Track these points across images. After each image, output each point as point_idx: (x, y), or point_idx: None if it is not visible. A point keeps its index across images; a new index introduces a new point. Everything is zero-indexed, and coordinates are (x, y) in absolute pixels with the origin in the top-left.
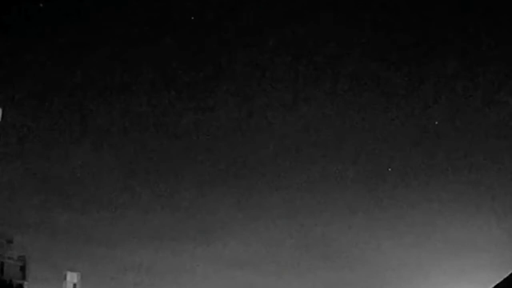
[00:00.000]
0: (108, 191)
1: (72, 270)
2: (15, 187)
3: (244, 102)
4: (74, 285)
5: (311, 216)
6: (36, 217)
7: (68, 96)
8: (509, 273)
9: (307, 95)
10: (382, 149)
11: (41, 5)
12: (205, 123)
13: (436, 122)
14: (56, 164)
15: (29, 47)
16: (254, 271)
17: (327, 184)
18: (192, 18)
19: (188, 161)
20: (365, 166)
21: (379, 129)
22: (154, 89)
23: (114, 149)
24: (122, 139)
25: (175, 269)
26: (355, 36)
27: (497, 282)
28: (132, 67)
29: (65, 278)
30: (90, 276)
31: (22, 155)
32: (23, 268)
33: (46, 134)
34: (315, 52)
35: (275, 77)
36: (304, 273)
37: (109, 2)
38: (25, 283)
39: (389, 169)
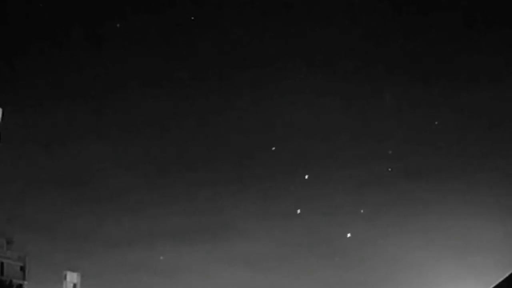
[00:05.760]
0: (109, 191)
1: (72, 270)
2: (16, 187)
3: (256, 101)
4: (74, 285)
5: (315, 217)
6: (36, 217)
7: (74, 94)
8: (509, 273)
9: (306, 96)
10: (382, 149)
11: (41, 5)
12: (216, 124)
13: (436, 122)
14: (57, 165)
15: (30, 47)
16: (261, 270)
17: (331, 185)
18: (192, 18)
19: (194, 162)
20: (366, 166)
21: (379, 129)
22: (163, 88)
23: (117, 150)
24: (126, 139)
25: (177, 268)
26: (355, 37)
27: (497, 282)
28: (141, 66)
29: (65, 278)
30: (90, 276)
31: (23, 155)
32: (23, 268)
33: (49, 134)
34: (314, 52)
35: (277, 79)
36: (310, 272)
37: (110, 3)
38: (25, 283)
39: (389, 169)
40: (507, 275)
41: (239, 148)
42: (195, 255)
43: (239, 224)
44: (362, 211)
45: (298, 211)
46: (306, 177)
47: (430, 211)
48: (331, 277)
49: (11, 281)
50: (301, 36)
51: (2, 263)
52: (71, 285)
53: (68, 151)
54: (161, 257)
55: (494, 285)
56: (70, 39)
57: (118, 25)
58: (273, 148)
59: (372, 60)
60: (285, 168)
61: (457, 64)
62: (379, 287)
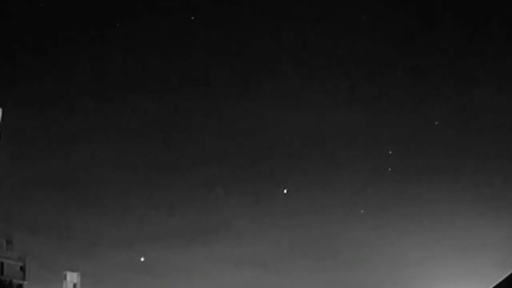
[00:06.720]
0: (109, 191)
1: (72, 270)
2: (15, 187)
3: (256, 101)
4: (74, 285)
5: (315, 217)
6: (36, 217)
7: (74, 94)
8: (509, 273)
9: (306, 96)
10: (382, 149)
11: (41, 4)
12: (212, 123)
13: (436, 122)
14: (57, 165)
15: (30, 47)
16: (259, 270)
17: (331, 185)
18: (192, 18)
19: (194, 161)
20: (365, 166)
21: (379, 129)
22: (161, 88)
23: (116, 150)
24: (125, 139)
25: (176, 268)
26: (356, 36)
27: (497, 282)
28: (139, 66)
29: (65, 278)
30: (90, 276)
31: (23, 155)
32: (23, 268)
33: (49, 134)
34: (315, 53)
35: (277, 79)
36: (310, 272)
37: (110, 3)
38: (25, 283)
39: (389, 169)
40: (507, 275)
41: (239, 148)
42: (195, 255)
43: (239, 224)
44: (362, 211)
45: (298, 210)
46: (306, 177)
47: (430, 211)
48: (331, 277)
49: (11, 281)
50: (301, 36)
51: (2, 263)
52: (71, 285)
53: (68, 151)
54: (161, 257)
55: (494, 285)
56: (70, 39)
57: (118, 25)
58: (274, 148)
59: (372, 60)
60: (285, 168)
61: (457, 64)
62: (379, 287)
